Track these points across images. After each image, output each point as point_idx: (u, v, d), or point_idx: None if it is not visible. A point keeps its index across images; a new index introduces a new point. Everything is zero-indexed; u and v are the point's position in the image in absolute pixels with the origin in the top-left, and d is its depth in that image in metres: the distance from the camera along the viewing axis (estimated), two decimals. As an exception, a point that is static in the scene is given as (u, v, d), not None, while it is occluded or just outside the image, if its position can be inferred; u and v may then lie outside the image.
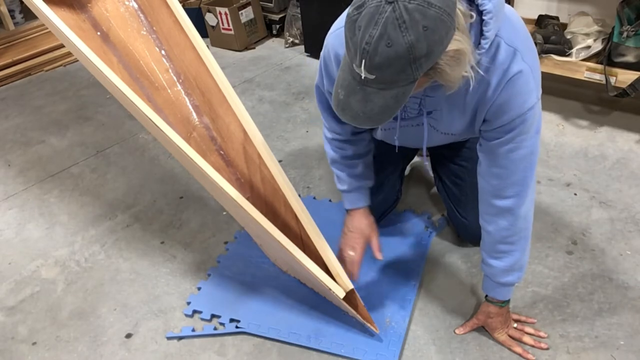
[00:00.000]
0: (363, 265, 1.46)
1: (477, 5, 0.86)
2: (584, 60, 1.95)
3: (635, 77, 1.80)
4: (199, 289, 1.46)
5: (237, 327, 1.33)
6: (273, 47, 3.04)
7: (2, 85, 2.81)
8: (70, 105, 2.55)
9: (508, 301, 1.22)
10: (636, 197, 1.65)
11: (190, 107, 1.58)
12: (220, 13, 2.90)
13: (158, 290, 1.49)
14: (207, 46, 1.53)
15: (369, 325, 1.25)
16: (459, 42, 0.78)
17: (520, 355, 1.21)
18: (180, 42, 1.59)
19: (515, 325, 1.25)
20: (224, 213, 1.73)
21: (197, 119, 1.56)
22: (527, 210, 1.09)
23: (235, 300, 1.41)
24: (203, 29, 3.02)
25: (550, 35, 1.98)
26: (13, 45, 2.95)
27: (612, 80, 1.86)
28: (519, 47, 0.93)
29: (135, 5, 1.72)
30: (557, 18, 2.14)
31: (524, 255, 1.14)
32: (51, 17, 1.47)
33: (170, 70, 1.63)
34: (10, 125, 2.42)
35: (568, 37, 1.99)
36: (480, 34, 0.87)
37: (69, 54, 2.98)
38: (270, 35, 3.16)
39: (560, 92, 2.21)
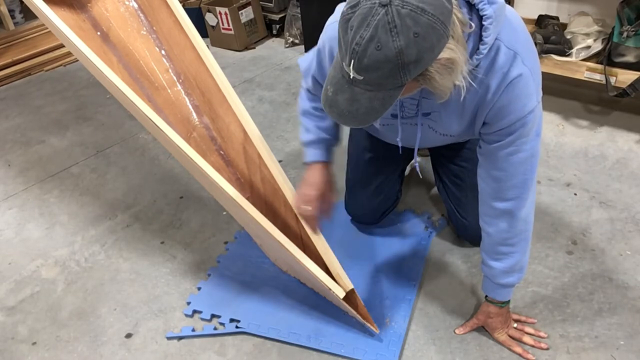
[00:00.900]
0: (363, 265, 1.46)
1: (478, 10, 0.86)
2: (584, 60, 1.95)
3: (635, 77, 1.80)
4: (199, 289, 1.46)
5: (237, 327, 1.33)
6: (273, 47, 3.04)
7: (2, 85, 2.81)
8: (70, 105, 2.55)
9: (508, 301, 1.22)
10: (636, 197, 1.65)
11: (190, 107, 1.58)
12: (220, 13, 2.89)
13: (158, 290, 1.49)
14: (207, 46, 1.53)
15: (369, 325, 1.25)
16: (452, 50, 0.78)
17: (520, 355, 1.21)
18: (180, 42, 1.59)
19: (515, 325, 1.25)
20: (224, 213, 1.73)
21: (197, 119, 1.56)
22: (527, 212, 1.08)
23: (235, 300, 1.41)
24: (203, 29, 3.02)
25: (550, 35, 1.98)
26: (13, 45, 2.94)
27: (612, 80, 1.86)
28: (519, 50, 0.92)
29: (135, 5, 1.72)
30: (557, 18, 2.14)
31: (524, 256, 1.13)
32: (51, 17, 1.47)
33: (170, 70, 1.63)
34: (10, 125, 2.42)
35: (568, 37, 1.99)
36: (480, 39, 0.87)
37: (68, 54, 2.98)
38: (270, 35, 3.16)
39: (560, 92, 2.21)
